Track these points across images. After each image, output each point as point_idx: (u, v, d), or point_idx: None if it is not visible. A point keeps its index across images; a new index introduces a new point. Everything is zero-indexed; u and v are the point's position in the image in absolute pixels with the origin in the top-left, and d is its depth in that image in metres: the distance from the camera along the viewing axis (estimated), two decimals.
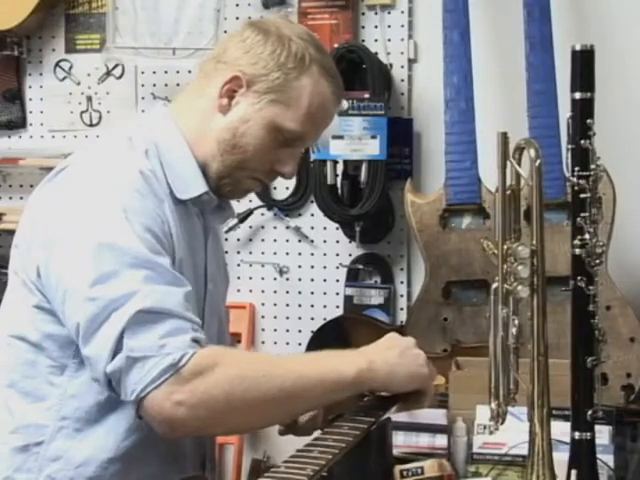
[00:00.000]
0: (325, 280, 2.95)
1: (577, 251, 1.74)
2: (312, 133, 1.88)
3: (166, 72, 3.03)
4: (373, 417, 1.75)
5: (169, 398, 1.58)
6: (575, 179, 1.74)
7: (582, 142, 1.73)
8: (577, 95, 1.74)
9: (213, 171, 1.83)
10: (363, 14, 2.89)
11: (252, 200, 2.95)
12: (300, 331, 2.94)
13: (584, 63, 1.74)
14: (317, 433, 1.66)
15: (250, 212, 2.97)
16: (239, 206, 2.91)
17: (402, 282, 2.90)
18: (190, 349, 1.59)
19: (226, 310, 2.03)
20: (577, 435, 1.75)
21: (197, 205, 1.85)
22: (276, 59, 1.81)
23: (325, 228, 2.95)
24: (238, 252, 2.99)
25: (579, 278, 1.73)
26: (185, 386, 1.58)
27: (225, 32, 2.92)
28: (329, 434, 1.64)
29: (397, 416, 2.21)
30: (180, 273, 1.73)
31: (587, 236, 1.73)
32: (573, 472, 1.74)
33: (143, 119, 1.95)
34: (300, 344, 2.90)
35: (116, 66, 3.09)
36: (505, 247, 1.71)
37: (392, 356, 1.75)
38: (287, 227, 2.98)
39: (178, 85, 3.01)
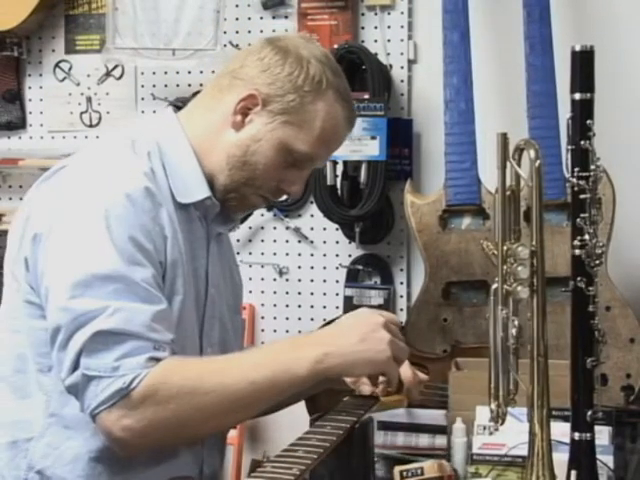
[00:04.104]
0: (325, 281, 2.95)
1: (577, 252, 1.73)
2: (322, 156, 1.90)
3: (166, 73, 3.03)
4: (355, 416, 1.76)
5: (118, 422, 1.61)
6: (575, 180, 1.73)
7: (582, 143, 1.73)
8: (577, 96, 1.74)
9: (220, 183, 1.85)
10: (363, 15, 2.89)
11: None
12: (300, 332, 2.94)
13: (584, 64, 1.74)
14: (301, 433, 1.67)
15: (250, 213, 2.96)
16: None
17: (402, 283, 2.89)
18: (144, 370, 1.62)
19: (239, 317, 2.04)
20: (577, 436, 1.74)
21: (200, 210, 1.85)
22: (293, 81, 1.81)
23: (325, 229, 2.94)
24: (238, 253, 2.99)
25: (579, 279, 1.73)
26: (134, 411, 1.61)
27: (225, 33, 2.92)
28: (313, 434, 1.65)
29: (397, 416, 2.21)
30: (173, 276, 1.75)
31: (587, 237, 1.73)
32: (573, 473, 1.74)
33: (148, 122, 1.95)
34: None
35: (116, 67, 3.08)
36: (505, 248, 1.70)
37: (350, 343, 1.71)
38: (287, 228, 2.98)
39: (178, 86, 3.01)
